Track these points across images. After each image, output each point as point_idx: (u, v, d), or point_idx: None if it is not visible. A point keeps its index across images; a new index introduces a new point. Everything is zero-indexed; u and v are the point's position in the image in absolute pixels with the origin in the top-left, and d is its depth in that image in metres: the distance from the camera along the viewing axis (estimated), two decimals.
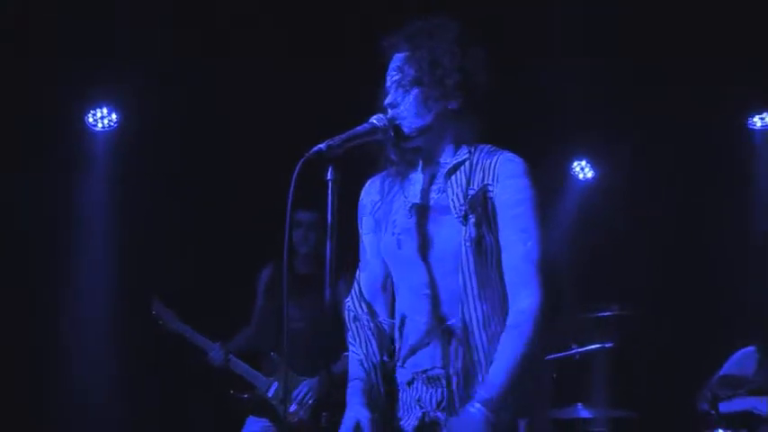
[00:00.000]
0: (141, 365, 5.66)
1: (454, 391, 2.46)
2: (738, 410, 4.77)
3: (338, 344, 4.56)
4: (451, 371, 2.47)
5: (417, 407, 2.54)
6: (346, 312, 2.70)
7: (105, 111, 5.83)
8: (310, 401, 4.67)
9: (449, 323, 2.48)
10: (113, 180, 5.82)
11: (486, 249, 2.47)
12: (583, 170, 6.73)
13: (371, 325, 2.64)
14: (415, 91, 2.54)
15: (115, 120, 5.84)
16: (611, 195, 6.46)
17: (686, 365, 5.46)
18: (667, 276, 6.12)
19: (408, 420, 2.54)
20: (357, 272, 2.74)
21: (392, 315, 2.66)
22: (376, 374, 2.61)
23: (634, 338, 4.84)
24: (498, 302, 2.47)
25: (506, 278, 2.47)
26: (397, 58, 2.58)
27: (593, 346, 4.77)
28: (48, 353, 5.62)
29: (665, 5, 5.46)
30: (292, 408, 4.69)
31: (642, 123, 6.05)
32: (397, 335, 2.61)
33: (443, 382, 2.49)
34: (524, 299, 2.43)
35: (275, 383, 4.80)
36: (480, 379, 2.43)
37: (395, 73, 2.57)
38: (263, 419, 4.83)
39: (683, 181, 6.15)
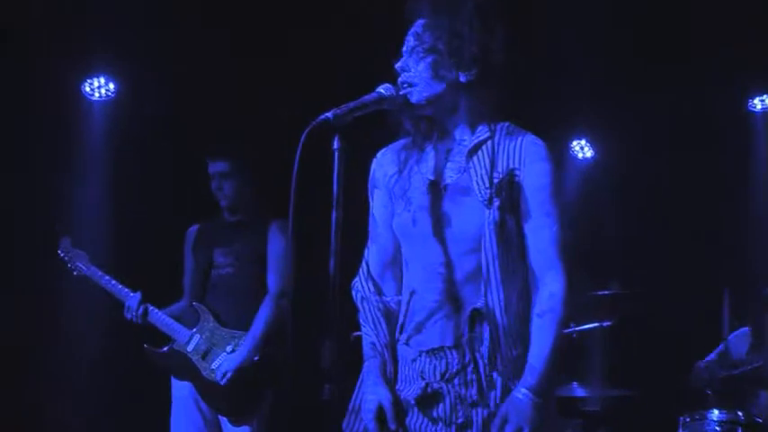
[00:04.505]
0: None
1: (482, 374, 2.48)
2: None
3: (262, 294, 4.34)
4: (477, 354, 2.49)
5: (420, 378, 2.54)
6: (354, 293, 2.69)
7: (102, 80, 5.80)
8: (236, 366, 4.20)
9: (476, 306, 2.48)
10: (110, 150, 5.77)
11: (508, 233, 2.49)
12: (582, 149, 6.72)
13: (380, 305, 2.64)
14: (429, 59, 2.52)
15: (112, 89, 5.80)
16: (610, 175, 6.44)
17: (683, 345, 5.46)
18: (666, 256, 6.12)
19: (410, 390, 2.54)
20: (366, 247, 2.72)
21: (400, 291, 2.65)
22: (388, 354, 2.61)
23: (632, 318, 4.82)
24: (519, 284, 2.51)
25: (532, 261, 2.51)
26: (418, 24, 2.56)
27: (590, 325, 4.76)
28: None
29: None
30: (214, 364, 4.24)
31: (642, 104, 6.03)
32: (402, 310, 2.60)
33: (455, 357, 2.50)
34: (552, 282, 2.48)
35: (197, 336, 4.32)
36: (500, 359, 2.47)
37: (412, 39, 2.56)
38: (185, 381, 4.34)
39: (682, 163, 6.13)
